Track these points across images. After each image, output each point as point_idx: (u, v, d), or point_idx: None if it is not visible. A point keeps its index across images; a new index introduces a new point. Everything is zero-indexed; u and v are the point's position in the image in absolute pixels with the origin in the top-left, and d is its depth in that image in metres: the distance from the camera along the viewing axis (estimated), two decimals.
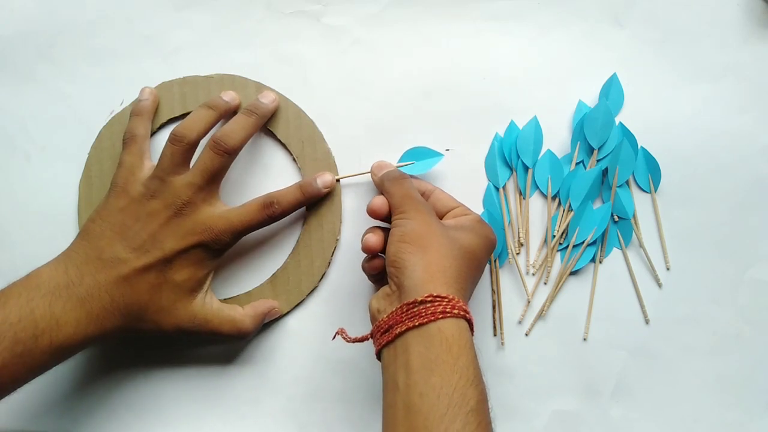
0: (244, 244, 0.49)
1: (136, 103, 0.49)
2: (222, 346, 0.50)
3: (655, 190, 0.50)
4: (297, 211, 0.50)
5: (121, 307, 0.42)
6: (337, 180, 0.49)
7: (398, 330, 0.38)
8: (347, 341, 0.43)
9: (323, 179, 0.48)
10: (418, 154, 0.50)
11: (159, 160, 0.45)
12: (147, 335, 0.44)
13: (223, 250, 0.45)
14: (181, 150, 0.44)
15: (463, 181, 0.50)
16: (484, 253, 0.43)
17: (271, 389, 0.50)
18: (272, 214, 0.46)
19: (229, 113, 0.48)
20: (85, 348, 0.42)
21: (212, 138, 0.45)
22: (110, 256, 0.43)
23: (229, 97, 0.48)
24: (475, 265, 0.42)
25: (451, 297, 0.38)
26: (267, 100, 0.48)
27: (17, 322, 0.39)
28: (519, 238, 0.50)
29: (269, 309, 0.48)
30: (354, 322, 0.49)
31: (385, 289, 0.41)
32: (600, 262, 0.50)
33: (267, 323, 0.49)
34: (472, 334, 0.39)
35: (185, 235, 0.44)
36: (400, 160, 0.50)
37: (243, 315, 0.47)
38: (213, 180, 0.45)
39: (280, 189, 0.47)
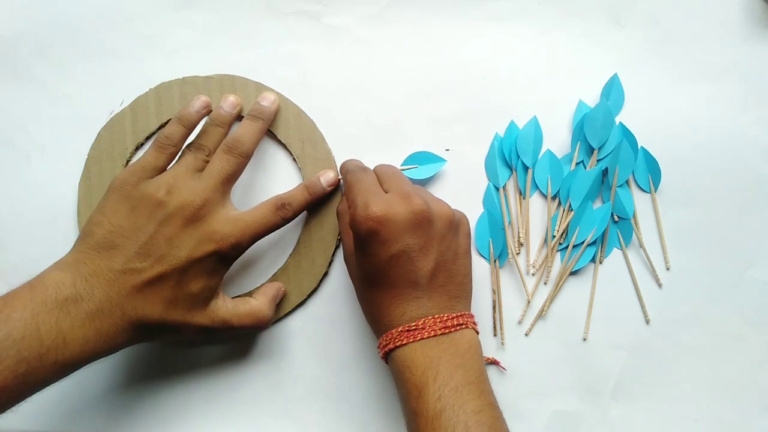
0: None
1: (186, 110, 0.46)
2: (221, 347, 0.50)
3: (655, 190, 0.50)
4: None
5: (133, 321, 0.40)
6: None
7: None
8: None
9: (326, 178, 0.48)
10: (422, 158, 0.50)
11: (178, 164, 0.44)
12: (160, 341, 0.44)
13: (236, 256, 0.44)
14: (204, 158, 0.44)
15: (463, 181, 0.50)
16: (362, 246, 0.42)
17: (271, 389, 0.50)
18: (285, 215, 0.45)
19: (234, 121, 0.48)
20: (92, 362, 0.40)
21: (225, 143, 0.45)
22: (122, 266, 0.40)
23: (230, 106, 0.47)
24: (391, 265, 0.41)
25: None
26: (268, 102, 0.48)
27: (21, 339, 0.36)
28: (519, 238, 0.50)
29: (277, 290, 0.48)
30: (354, 322, 0.49)
31: None
32: (600, 262, 0.50)
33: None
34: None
35: (201, 243, 0.42)
36: (403, 164, 0.50)
37: (259, 305, 0.46)
38: (228, 182, 0.44)
39: (288, 191, 0.47)
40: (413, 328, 0.40)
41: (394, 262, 0.41)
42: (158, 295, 0.41)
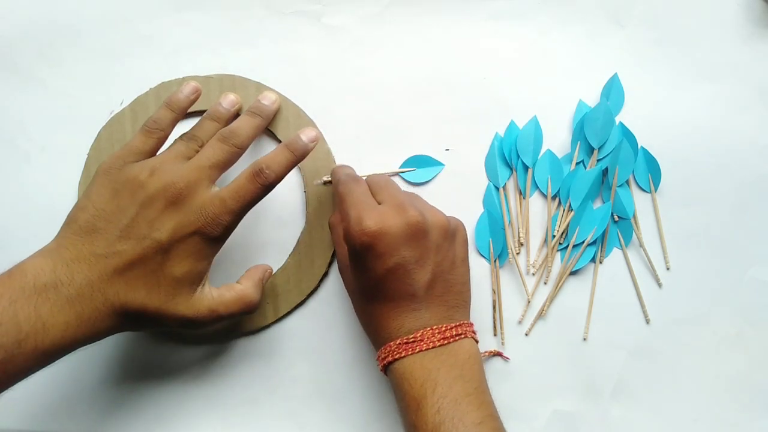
0: (244, 244, 0.50)
1: (175, 95, 0.46)
2: (221, 347, 0.50)
3: (655, 190, 0.50)
4: (297, 211, 0.50)
5: (116, 306, 0.39)
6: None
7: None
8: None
9: (307, 134, 0.44)
10: (420, 161, 0.50)
11: (167, 151, 0.43)
12: (148, 332, 0.43)
13: (221, 237, 0.42)
14: (195, 148, 0.43)
15: (463, 181, 0.50)
16: (357, 259, 0.42)
17: (270, 389, 0.50)
18: (265, 182, 0.42)
19: (231, 119, 0.47)
20: (75, 349, 0.39)
21: (220, 133, 0.43)
22: (104, 250, 0.40)
23: (229, 104, 0.47)
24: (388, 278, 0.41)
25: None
26: (268, 101, 0.47)
27: None
28: (519, 238, 0.50)
29: (263, 272, 0.47)
30: (354, 322, 0.49)
31: None
32: (600, 262, 0.50)
33: (268, 324, 0.49)
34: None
35: (182, 224, 0.40)
36: (401, 167, 0.50)
37: (244, 289, 0.44)
38: (215, 169, 0.42)
39: (266, 154, 0.44)
40: (411, 340, 0.40)
41: (391, 275, 0.41)
42: (140, 279, 0.40)
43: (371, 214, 0.41)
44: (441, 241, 0.42)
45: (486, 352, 0.49)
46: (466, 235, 0.45)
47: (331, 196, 0.49)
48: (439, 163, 0.50)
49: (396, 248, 0.40)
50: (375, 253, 0.40)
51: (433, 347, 0.40)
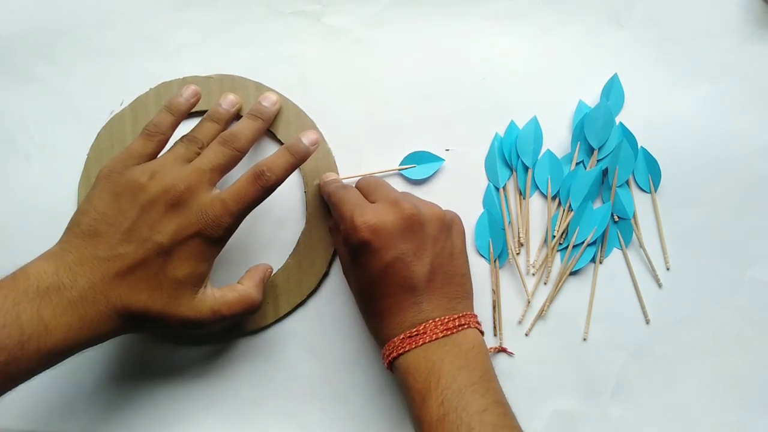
0: (244, 245, 0.50)
1: (175, 98, 0.46)
2: (221, 346, 0.50)
3: (655, 190, 0.50)
4: (297, 211, 0.50)
5: (118, 309, 0.40)
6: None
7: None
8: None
9: (308, 137, 0.44)
10: (420, 158, 0.50)
11: (167, 153, 0.43)
12: (151, 333, 0.43)
13: (222, 239, 0.42)
14: (195, 150, 0.43)
15: (463, 181, 0.50)
16: (356, 257, 0.42)
17: (270, 389, 0.50)
18: (266, 184, 0.42)
19: (231, 120, 0.47)
20: (78, 352, 0.39)
21: (221, 136, 0.43)
22: (106, 253, 0.40)
23: (229, 104, 0.47)
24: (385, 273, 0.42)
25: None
26: (269, 103, 0.48)
27: (2, 328, 0.36)
28: (519, 238, 0.50)
29: (264, 272, 0.47)
30: (354, 322, 0.49)
31: None
32: (600, 262, 0.50)
33: (268, 324, 0.49)
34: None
35: (182, 226, 0.40)
36: (401, 164, 0.50)
37: (246, 289, 0.44)
38: (216, 172, 0.42)
39: (267, 157, 0.43)
40: (414, 333, 0.41)
41: (390, 270, 0.41)
42: (143, 282, 0.40)
43: (365, 212, 0.41)
44: (437, 233, 0.42)
45: (491, 348, 0.49)
46: (462, 226, 0.45)
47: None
48: (439, 159, 0.50)
49: (393, 242, 0.41)
50: (372, 248, 0.41)
51: (436, 339, 0.40)
